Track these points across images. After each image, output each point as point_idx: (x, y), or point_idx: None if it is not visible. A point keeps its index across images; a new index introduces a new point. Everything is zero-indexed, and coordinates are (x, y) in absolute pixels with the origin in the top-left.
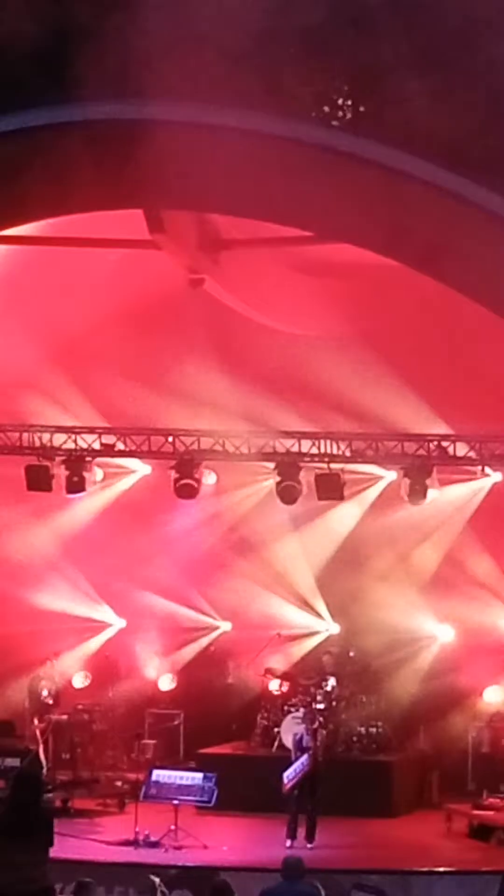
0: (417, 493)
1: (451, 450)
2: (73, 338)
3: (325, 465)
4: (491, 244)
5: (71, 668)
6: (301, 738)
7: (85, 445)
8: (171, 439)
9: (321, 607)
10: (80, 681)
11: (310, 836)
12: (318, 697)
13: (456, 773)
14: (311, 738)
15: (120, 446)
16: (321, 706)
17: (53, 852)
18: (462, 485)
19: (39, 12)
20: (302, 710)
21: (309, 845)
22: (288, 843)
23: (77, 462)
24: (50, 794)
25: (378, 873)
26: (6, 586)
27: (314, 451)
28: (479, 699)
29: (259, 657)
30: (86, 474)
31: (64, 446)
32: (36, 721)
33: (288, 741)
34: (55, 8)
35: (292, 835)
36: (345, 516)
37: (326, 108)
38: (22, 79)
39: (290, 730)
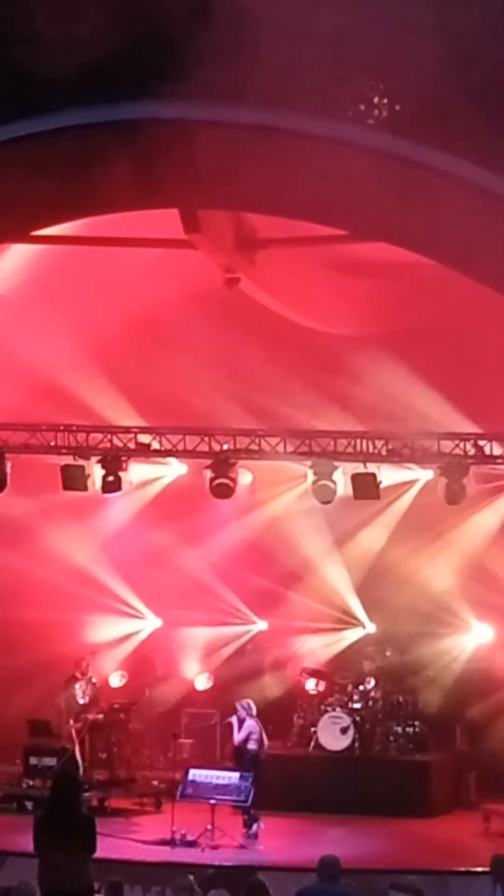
0: (454, 492)
1: (487, 449)
2: (108, 337)
3: (361, 465)
4: None
5: (108, 668)
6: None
7: (121, 445)
8: (206, 438)
9: (358, 606)
10: (116, 680)
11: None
12: (355, 697)
13: (494, 773)
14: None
15: (155, 446)
16: (358, 705)
17: None
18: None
19: (72, 12)
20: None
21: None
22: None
23: (113, 462)
24: (87, 794)
25: (415, 873)
26: (48, 577)
27: (350, 450)
28: None
29: (295, 656)
30: (121, 474)
31: (100, 446)
32: (72, 720)
33: (324, 741)
34: (88, 8)
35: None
36: (381, 513)
37: (362, 107)
38: (58, 79)
39: (325, 729)
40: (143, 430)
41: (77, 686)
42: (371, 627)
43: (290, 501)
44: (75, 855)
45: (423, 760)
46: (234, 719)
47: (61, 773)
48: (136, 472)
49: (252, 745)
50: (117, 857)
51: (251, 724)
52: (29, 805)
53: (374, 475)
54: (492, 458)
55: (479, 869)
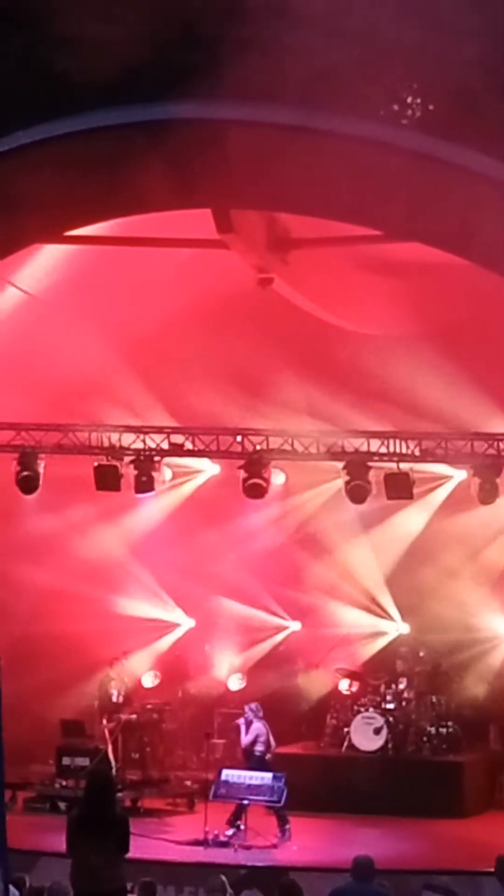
0: (487, 492)
1: None
2: (141, 337)
3: (394, 465)
4: None
5: (140, 668)
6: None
7: (153, 445)
8: (239, 439)
9: (391, 607)
10: (149, 680)
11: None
12: (388, 697)
13: None
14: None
15: (188, 446)
16: (391, 706)
17: None
18: None
19: (107, 13)
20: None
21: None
22: (231, 831)
23: (146, 462)
24: (120, 794)
25: (448, 874)
26: (77, 585)
27: (383, 450)
28: None
29: (328, 657)
30: (154, 474)
31: (132, 446)
32: (105, 721)
33: (357, 741)
34: (122, 9)
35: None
36: (414, 516)
37: (396, 107)
38: (93, 79)
39: (358, 730)
40: (176, 431)
41: (112, 685)
42: (404, 628)
43: (323, 501)
44: (108, 855)
45: (456, 761)
46: (241, 721)
47: (95, 773)
48: (169, 472)
49: (259, 748)
50: (150, 858)
51: (258, 726)
52: (62, 805)
53: (407, 475)
54: None
55: None
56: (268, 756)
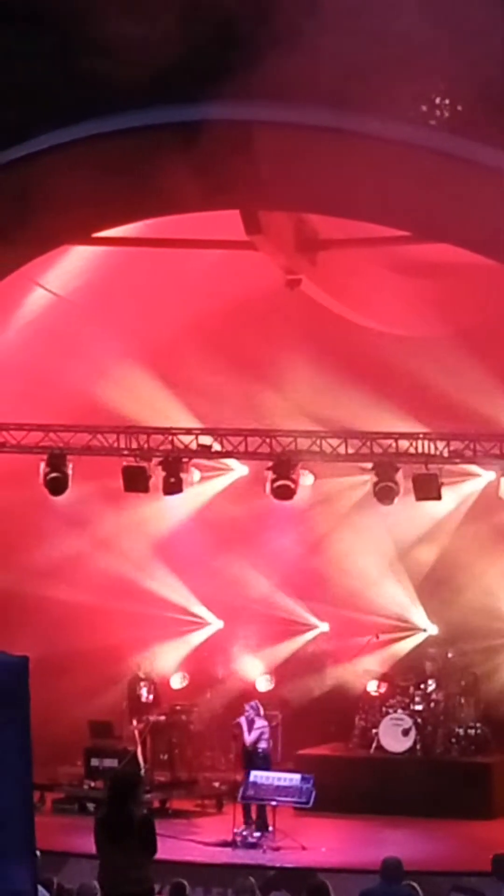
0: None
1: None
2: (169, 339)
3: (422, 466)
4: None
5: (169, 669)
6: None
7: (182, 446)
8: (268, 440)
9: (420, 608)
10: (178, 682)
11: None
12: (417, 698)
13: None
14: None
15: (217, 447)
16: (419, 707)
17: None
18: None
19: (137, 15)
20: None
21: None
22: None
23: (174, 463)
24: (147, 795)
25: (477, 875)
26: (106, 594)
27: (412, 451)
28: None
29: (357, 658)
30: (183, 475)
31: (161, 447)
32: (134, 722)
33: (386, 743)
34: (153, 10)
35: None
36: (444, 518)
37: (424, 108)
38: (123, 81)
39: (386, 731)
40: (204, 432)
41: (141, 685)
42: (433, 629)
43: (352, 503)
44: (133, 857)
45: (484, 762)
46: (242, 720)
47: (116, 776)
48: (197, 473)
49: (263, 745)
50: (179, 859)
51: (262, 723)
52: (90, 806)
53: (435, 476)
54: None
55: None
56: (271, 753)
